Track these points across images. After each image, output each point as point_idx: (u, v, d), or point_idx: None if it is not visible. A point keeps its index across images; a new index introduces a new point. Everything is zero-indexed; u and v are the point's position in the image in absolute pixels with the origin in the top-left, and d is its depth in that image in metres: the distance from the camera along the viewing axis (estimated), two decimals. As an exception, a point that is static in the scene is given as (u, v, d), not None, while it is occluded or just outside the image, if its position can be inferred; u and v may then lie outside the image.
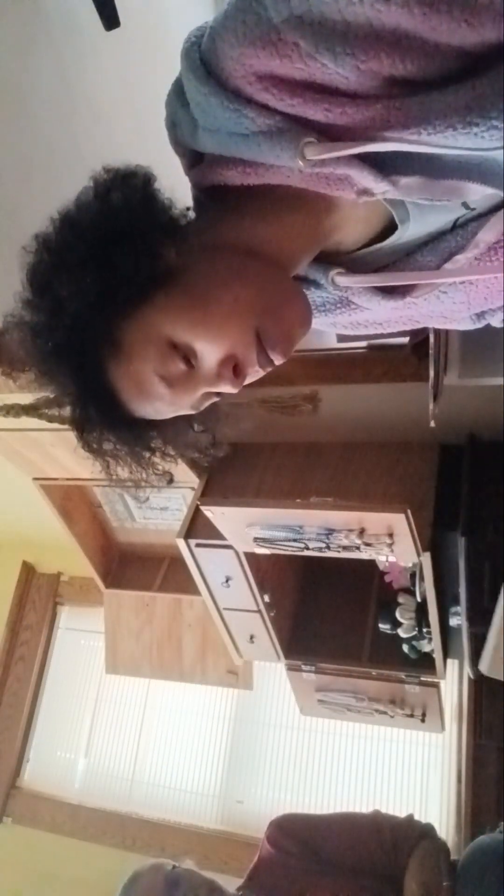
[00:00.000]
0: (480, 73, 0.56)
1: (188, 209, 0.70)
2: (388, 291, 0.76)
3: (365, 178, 0.62)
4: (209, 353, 0.66)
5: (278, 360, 0.69)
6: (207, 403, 0.73)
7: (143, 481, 0.78)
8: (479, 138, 0.57)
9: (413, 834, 1.85)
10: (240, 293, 0.66)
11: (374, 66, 0.56)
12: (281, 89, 0.59)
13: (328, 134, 0.60)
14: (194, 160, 0.70)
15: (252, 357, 0.67)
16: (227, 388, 0.69)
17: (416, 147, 0.59)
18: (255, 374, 0.70)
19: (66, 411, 0.73)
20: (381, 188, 0.63)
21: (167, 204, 0.68)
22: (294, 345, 0.69)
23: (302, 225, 0.69)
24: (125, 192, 0.66)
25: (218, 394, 0.71)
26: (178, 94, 0.66)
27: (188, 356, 0.66)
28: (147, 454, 0.76)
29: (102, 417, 0.71)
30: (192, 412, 0.73)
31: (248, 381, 0.71)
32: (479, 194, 0.67)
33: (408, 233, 0.71)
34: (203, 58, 0.61)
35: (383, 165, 0.62)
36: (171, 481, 0.82)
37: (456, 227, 0.72)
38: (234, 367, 0.67)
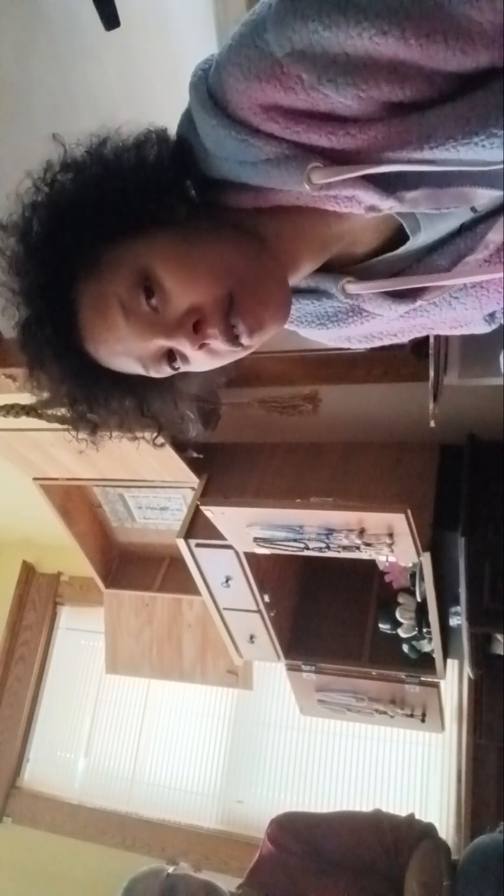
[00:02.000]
0: (477, 87, 0.58)
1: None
2: (399, 296, 0.76)
3: (371, 197, 0.64)
4: (177, 295, 0.65)
5: (244, 337, 0.66)
6: (161, 368, 0.70)
7: (74, 428, 0.76)
8: (480, 147, 0.59)
9: (414, 833, 1.85)
10: (227, 255, 0.67)
11: (375, 93, 0.58)
12: (286, 118, 0.61)
13: (333, 158, 0.62)
14: (209, 185, 0.71)
15: (216, 318, 0.65)
16: (185, 345, 0.66)
17: (417, 166, 0.61)
18: (217, 345, 0.67)
19: (20, 316, 0.70)
20: (387, 205, 0.65)
21: (190, 169, 0.70)
22: (264, 329, 0.67)
23: (310, 231, 0.71)
24: (162, 145, 0.69)
25: (172, 357, 0.69)
26: (189, 123, 0.68)
27: (156, 292, 0.65)
28: (84, 399, 0.73)
29: (53, 328, 0.68)
30: (141, 368, 0.70)
31: (209, 355, 0.68)
32: (486, 198, 0.68)
33: (419, 240, 0.72)
34: (210, 91, 0.63)
35: (388, 182, 0.64)
36: (94, 435, 0.78)
37: (463, 229, 0.73)
38: (196, 322, 0.65)
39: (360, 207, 0.65)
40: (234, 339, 0.67)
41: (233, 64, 0.61)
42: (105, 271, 0.66)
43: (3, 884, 3.05)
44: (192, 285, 0.65)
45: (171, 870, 1.70)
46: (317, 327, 0.82)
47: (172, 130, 0.72)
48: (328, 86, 0.58)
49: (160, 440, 0.83)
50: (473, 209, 0.71)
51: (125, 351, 0.68)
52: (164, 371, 0.70)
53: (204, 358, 0.68)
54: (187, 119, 0.68)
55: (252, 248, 0.68)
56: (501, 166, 0.63)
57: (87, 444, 0.78)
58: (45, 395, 0.74)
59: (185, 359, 0.69)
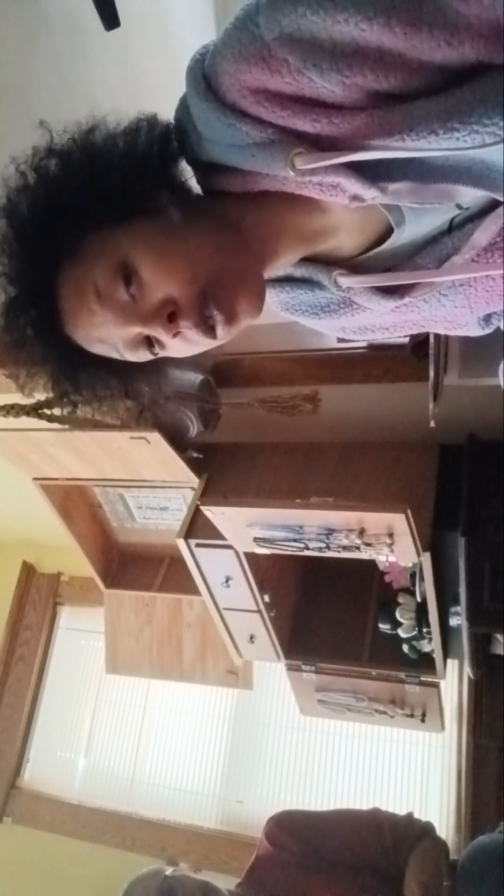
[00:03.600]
0: (462, 83, 0.59)
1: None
2: (388, 291, 0.77)
3: (354, 185, 0.65)
4: (153, 286, 0.67)
5: (219, 328, 0.69)
6: (139, 354, 0.72)
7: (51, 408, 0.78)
8: (461, 143, 0.59)
9: (413, 832, 1.85)
10: (205, 247, 0.69)
11: (359, 80, 0.59)
12: (272, 102, 0.62)
13: (317, 144, 0.63)
14: (202, 168, 0.73)
15: (190, 311, 0.67)
16: (160, 333, 0.68)
17: (399, 153, 0.61)
18: (192, 335, 0.69)
19: (5, 298, 0.72)
20: (370, 194, 0.65)
21: (178, 161, 0.72)
22: (237, 321, 0.70)
23: (294, 223, 0.72)
24: (150, 134, 0.70)
25: (150, 344, 0.70)
26: (184, 108, 0.70)
27: (133, 282, 0.67)
28: (63, 380, 0.75)
29: (35, 312, 0.70)
30: (116, 354, 0.72)
31: (185, 343, 0.70)
32: (470, 196, 0.69)
33: (405, 235, 0.73)
34: (205, 74, 0.65)
35: (372, 172, 0.65)
36: (67, 416, 0.81)
37: (452, 228, 0.74)
38: (171, 313, 0.67)
39: (343, 197, 0.66)
40: (208, 330, 0.69)
41: (226, 47, 0.62)
42: (86, 257, 0.68)
43: (3, 884, 3.05)
44: (168, 277, 0.67)
45: (169, 871, 1.70)
46: (310, 316, 0.84)
47: (167, 117, 0.73)
48: (313, 70, 0.59)
49: (146, 430, 0.85)
50: (458, 205, 0.72)
51: (101, 336, 0.71)
52: (143, 356, 0.72)
53: (179, 345, 0.71)
54: (183, 105, 0.70)
55: (230, 242, 0.70)
56: (485, 163, 0.64)
57: (77, 435, 0.80)
58: (27, 377, 0.75)
59: (161, 345, 0.71)
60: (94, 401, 0.78)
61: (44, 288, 0.70)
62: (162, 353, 0.72)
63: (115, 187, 0.68)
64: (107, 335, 0.70)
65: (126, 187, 0.68)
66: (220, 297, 0.68)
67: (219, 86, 0.64)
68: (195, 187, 0.74)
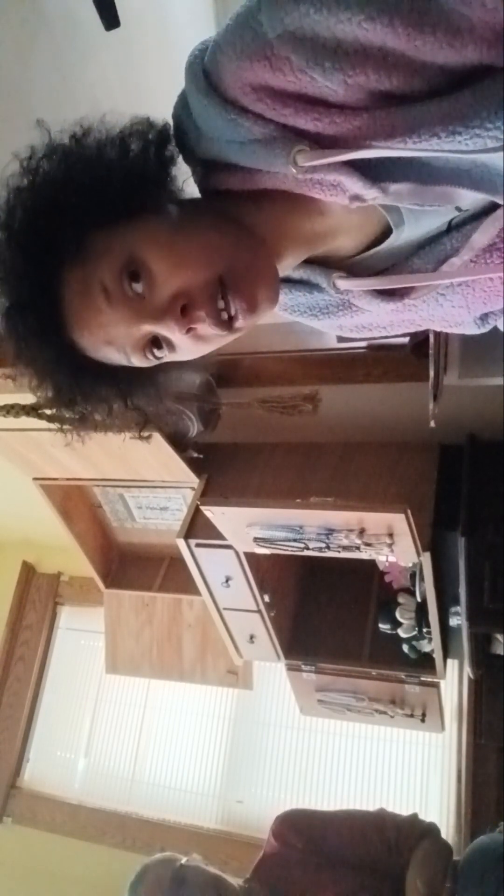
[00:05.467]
0: (464, 86, 0.58)
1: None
2: (387, 294, 0.77)
3: (355, 185, 0.64)
4: (163, 279, 0.65)
5: (241, 317, 0.66)
6: (147, 357, 0.69)
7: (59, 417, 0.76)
8: (463, 146, 0.59)
9: (416, 833, 1.86)
10: (215, 238, 0.67)
11: (361, 80, 0.58)
12: (274, 100, 0.62)
13: (319, 143, 0.63)
14: (200, 167, 0.72)
15: (204, 302, 0.65)
16: (173, 330, 0.66)
17: (401, 153, 0.61)
18: (205, 329, 0.67)
19: (4, 303, 0.69)
20: (370, 194, 0.65)
21: (173, 161, 0.71)
22: (258, 305, 0.67)
23: (293, 224, 0.72)
24: (148, 134, 0.69)
25: (157, 345, 0.68)
26: (183, 104, 0.69)
27: (142, 277, 0.65)
28: (65, 387, 0.73)
29: (37, 315, 0.68)
30: (123, 357, 0.69)
31: (197, 341, 0.68)
32: (470, 199, 0.69)
33: (403, 235, 0.73)
34: (205, 70, 0.64)
35: (373, 172, 0.64)
36: (79, 429, 0.78)
37: (451, 229, 0.74)
38: (184, 306, 0.65)
39: (344, 196, 0.66)
40: (222, 323, 0.66)
41: (227, 43, 0.62)
42: (90, 257, 0.66)
43: (3, 884, 3.05)
44: (181, 268, 0.65)
45: (183, 860, 1.71)
46: (309, 317, 0.84)
47: (163, 118, 0.72)
48: (316, 69, 0.58)
49: (146, 433, 0.84)
50: (458, 208, 0.71)
51: (108, 338, 0.68)
52: (148, 360, 0.70)
53: (191, 344, 0.68)
54: (182, 101, 0.69)
55: (239, 232, 0.69)
56: (486, 166, 0.63)
57: (74, 436, 0.79)
58: (31, 383, 0.73)
59: (170, 346, 0.69)
60: (95, 410, 0.76)
61: (45, 291, 0.67)
62: (169, 356, 0.70)
63: (116, 185, 0.67)
64: (115, 336, 0.68)
65: (128, 185, 0.67)
66: (237, 284, 0.66)
67: (220, 82, 0.63)
68: (193, 190, 0.74)
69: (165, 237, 0.66)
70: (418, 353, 1.76)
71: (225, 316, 0.66)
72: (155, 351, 0.69)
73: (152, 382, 0.77)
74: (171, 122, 0.71)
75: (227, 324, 0.67)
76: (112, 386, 0.74)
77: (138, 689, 3.22)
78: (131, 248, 0.65)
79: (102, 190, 0.66)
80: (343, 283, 0.76)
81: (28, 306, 0.68)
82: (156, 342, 0.68)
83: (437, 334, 1.57)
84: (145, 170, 0.68)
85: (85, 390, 0.73)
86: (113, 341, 0.68)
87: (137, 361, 0.70)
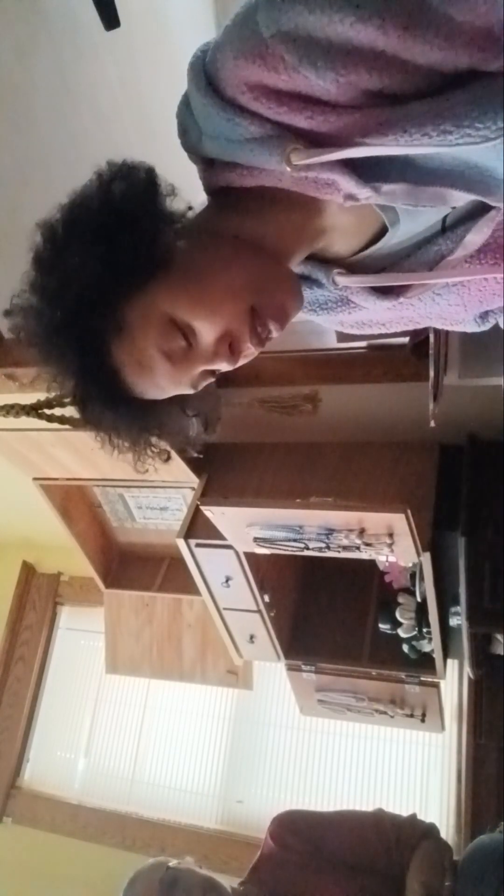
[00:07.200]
0: (455, 86, 0.60)
1: (189, 208, 0.73)
2: (383, 291, 0.79)
3: (348, 184, 0.66)
4: (206, 331, 0.70)
5: (276, 331, 0.73)
6: (205, 383, 0.76)
7: (140, 460, 0.82)
8: (454, 145, 0.60)
9: (415, 833, 1.85)
10: (236, 275, 0.71)
11: (353, 79, 0.60)
12: (270, 98, 0.63)
13: (313, 141, 0.64)
14: (204, 165, 0.74)
15: (246, 334, 0.71)
16: (224, 366, 0.73)
17: (393, 151, 0.62)
18: (250, 352, 0.74)
19: (68, 389, 0.74)
20: (364, 193, 0.67)
21: (168, 193, 0.72)
22: (289, 317, 0.73)
23: (294, 223, 0.74)
24: (128, 182, 0.70)
25: (213, 372, 0.75)
26: (186, 104, 0.71)
27: (187, 334, 0.70)
28: (144, 434, 0.79)
29: (103, 395, 0.73)
30: (191, 390, 0.76)
31: (244, 359, 0.75)
32: (463, 201, 0.70)
33: (399, 233, 0.75)
34: (206, 70, 0.66)
35: (367, 172, 0.66)
36: (168, 458, 0.86)
37: (446, 230, 0.76)
38: (230, 344, 0.71)
39: (338, 195, 0.67)
40: (263, 342, 0.73)
41: (226, 43, 0.64)
42: (133, 329, 0.70)
43: (3, 884, 3.05)
44: (215, 317, 0.70)
45: (173, 863, 1.71)
46: (308, 313, 0.86)
47: (149, 148, 0.75)
48: (308, 68, 0.60)
49: (165, 455, 0.87)
50: (452, 207, 0.73)
51: (175, 386, 0.74)
52: (207, 381, 0.77)
53: (239, 361, 0.74)
54: (185, 101, 0.71)
55: (249, 256, 0.72)
56: (479, 168, 0.65)
57: (100, 445, 0.82)
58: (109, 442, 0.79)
59: (216, 371, 0.75)
60: (128, 443, 0.80)
61: (102, 370, 0.71)
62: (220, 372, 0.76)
63: (126, 255, 0.68)
64: (178, 382, 0.74)
65: (137, 250, 0.68)
66: (268, 309, 0.71)
67: (219, 81, 0.65)
68: (194, 196, 0.75)
69: (193, 290, 0.70)
70: (418, 352, 1.76)
71: (265, 335, 0.73)
72: (211, 375, 0.76)
73: (178, 411, 0.83)
74: (149, 167, 0.72)
75: (268, 340, 0.74)
76: (151, 424, 0.80)
77: (138, 689, 3.22)
78: (167, 310, 0.69)
79: (116, 264, 0.68)
80: (342, 280, 0.78)
81: (86, 378, 0.72)
82: (205, 372, 0.74)
83: (437, 334, 1.57)
84: (144, 220, 0.69)
85: (147, 434, 0.80)
86: (178, 386, 0.75)
87: (194, 389, 0.76)
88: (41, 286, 0.69)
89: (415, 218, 0.73)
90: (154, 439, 0.81)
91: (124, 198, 0.69)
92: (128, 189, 0.69)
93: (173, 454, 0.92)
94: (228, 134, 0.66)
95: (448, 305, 0.82)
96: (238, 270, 0.71)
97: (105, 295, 0.68)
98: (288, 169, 0.64)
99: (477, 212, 0.73)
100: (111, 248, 0.67)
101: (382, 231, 0.75)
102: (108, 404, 0.74)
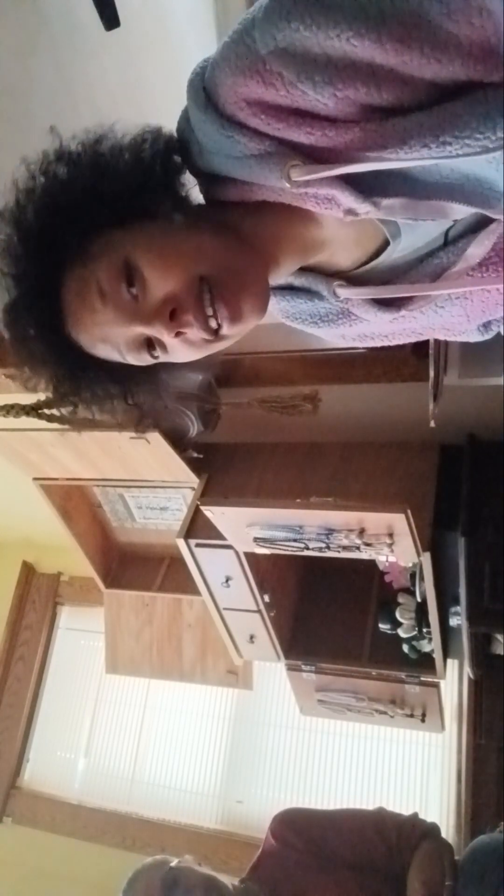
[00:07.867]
0: (453, 98, 0.59)
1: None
2: (384, 304, 0.79)
3: (348, 199, 0.66)
4: (154, 284, 0.68)
5: (226, 324, 0.69)
6: (140, 359, 0.72)
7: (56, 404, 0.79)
8: (454, 157, 0.60)
9: (416, 833, 1.85)
10: (207, 244, 0.70)
11: (351, 94, 0.60)
12: (268, 114, 0.64)
13: (313, 156, 0.64)
14: (202, 179, 0.74)
15: (191, 304, 0.68)
16: (162, 333, 0.68)
17: (393, 165, 0.62)
18: (193, 332, 0.69)
19: (10, 300, 0.73)
20: (363, 209, 0.66)
21: (180, 173, 0.73)
22: (242, 319, 0.70)
23: (292, 233, 0.74)
24: (155, 144, 0.72)
25: (150, 347, 0.71)
26: (186, 119, 0.71)
27: (135, 283, 0.68)
28: (64, 383, 0.76)
29: (41, 317, 0.71)
30: (119, 357, 0.72)
31: (184, 344, 0.70)
32: (463, 213, 0.70)
33: (401, 246, 0.75)
34: (205, 86, 0.66)
35: (366, 187, 0.66)
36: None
37: (447, 243, 0.75)
38: (172, 310, 0.67)
39: (338, 210, 0.67)
40: (209, 329, 0.69)
41: (224, 59, 0.64)
42: (91, 259, 0.69)
43: (3, 884, 3.05)
44: (169, 274, 0.68)
45: (174, 863, 1.71)
46: (309, 325, 0.86)
47: (170, 129, 0.74)
48: (306, 83, 0.60)
49: (144, 430, 0.86)
50: (455, 221, 0.73)
51: (103, 336, 0.71)
52: (144, 359, 0.73)
53: (181, 347, 0.71)
54: (184, 116, 0.71)
55: (232, 241, 0.71)
56: (479, 180, 0.64)
57: (73, 432, 0.81)
58: (30, 375, 0.76)
59: (163, 347, 0.71)
60: (93, 404, 0.78)
61: (47, 288, 0.70)
62: (163, 357, 0.72)
63: (120, 191, 0.69)
64: (109, 335, 0.71)
65: (131, 192, 0.70)
66: (222, 292, 0.68)
67: (217, 98, 0.65)
68: (197, 197, 0.75)
69: (160, 242, 0.69)
70: (418, 353, 1.76)
71: (214, 323, 0.68)
72: (150, 351, 0.71)
73: (152, 379, 0.79)
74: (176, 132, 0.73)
75: (214, 331, 0.69)
76: (111, 381, 0.77)
77: (138, 690, 3.22)
78: (128, 252, 0.68)
79: (107, 194, 0.69)
80: (343, 291, 0.78)
81: (30, 301, 0.71)
82: (150, 343, 0.71)
83: (438, 334, 1.57)
84: (149, 176, 0.70)
85: (83, 384, 0.76)
86: (107, 340, 0.71)
87: (132, 360, 0.73)
88: (30, 189, 0.70)
89: (416, 231, 0.73)
90: (78, 400, 0.77)
91: (150, 149, 0.71)
92: (154, 145, 0.71)
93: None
94: (228, 150, 0.67)
95: (451, 317, 0.82)
96: (211, 241, 0.70)
97: (84, 213, 0.69)
98: (287, 185, 0.64)
99: (479, 224, 0.73)
100: (112, 178, 0.69)
101: (385, 244, 0.75)
102: (40, 330, 0.72)
